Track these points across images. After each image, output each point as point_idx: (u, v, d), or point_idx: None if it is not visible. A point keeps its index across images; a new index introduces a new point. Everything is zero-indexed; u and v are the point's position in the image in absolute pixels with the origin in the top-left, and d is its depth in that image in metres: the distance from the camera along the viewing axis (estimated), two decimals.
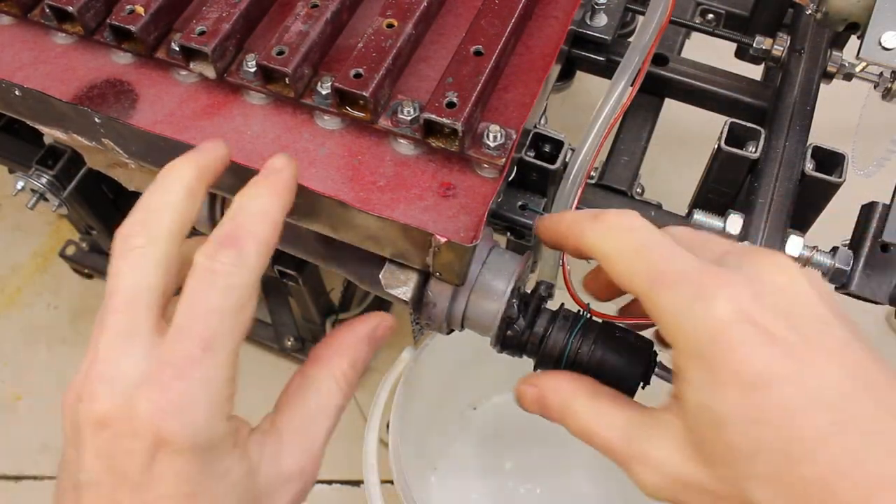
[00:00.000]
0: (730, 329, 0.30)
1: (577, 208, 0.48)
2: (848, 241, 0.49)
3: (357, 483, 0.99)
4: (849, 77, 0.57)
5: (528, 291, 0.45)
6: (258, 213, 0.34)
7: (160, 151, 0.45)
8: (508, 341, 0.44)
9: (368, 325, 0.40)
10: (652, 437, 0.34)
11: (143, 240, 0.33)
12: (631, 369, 0.40)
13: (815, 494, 0.29)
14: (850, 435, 0.29)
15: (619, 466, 0.36)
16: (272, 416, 0.37)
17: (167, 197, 0.34)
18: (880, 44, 0.46)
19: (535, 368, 0.43)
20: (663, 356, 0.40)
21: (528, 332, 0.43)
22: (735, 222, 0.48)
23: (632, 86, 0.48)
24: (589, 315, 0.42)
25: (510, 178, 0.48)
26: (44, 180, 0.83)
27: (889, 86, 0.53)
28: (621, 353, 0.41)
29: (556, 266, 0.46)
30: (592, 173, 0.56)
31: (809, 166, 0.49)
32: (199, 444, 0.31)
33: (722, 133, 0.49)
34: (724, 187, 0.52)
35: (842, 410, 0.29)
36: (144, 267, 0.33)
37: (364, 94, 0.43)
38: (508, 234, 0.51)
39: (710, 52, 0.69)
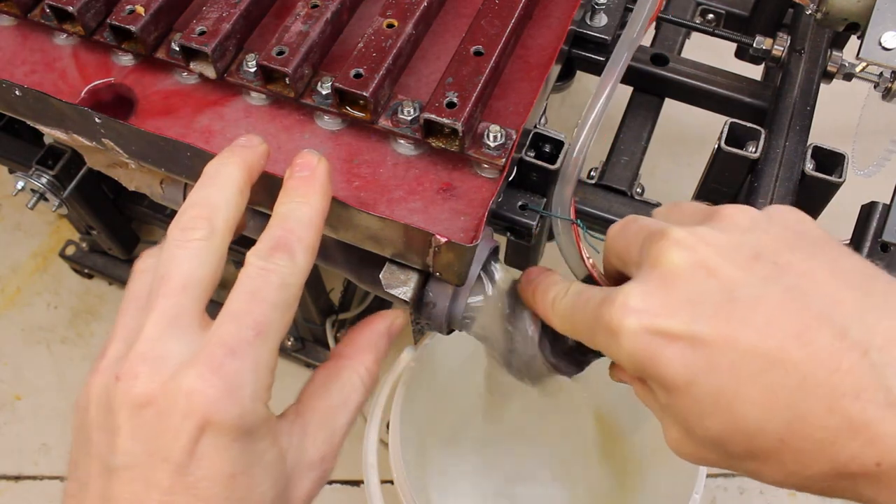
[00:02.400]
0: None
1: (577, 208, 0.48)
2: (848, 241, 0.49)
3: (357, 483, 0.99)
4: (849, 77, 0.57)
5: None
6: (305, 219, 0.36)
7: (160, 151, 0.45)
8: (563, 361, 0.44)
9: (386, 321, 0.42)
10: (620, 290, 0.34)
11: (204, 233, 0.34)
12: None
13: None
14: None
15: (596, 341, 0.36)
16: (296, 407, 0.38)
17: (224, 194, 0.36)
18: (880, 44, 0.46)
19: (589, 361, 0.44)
20: None
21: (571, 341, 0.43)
22: None
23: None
24: None
25: (510, 178, 0.48)
26: (44, 180, 0.83)
27: (889, 86, 0.53)
28: None
29: (581, 262, 0.46)
30: (592, 173, 0.56)
31: (809, 166, 0.49)
32: (243, 425, 0.32)
33: (722, 133, 0.49)
34: (724, 187, 0.52)
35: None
36: (202, 258, 0.34)
37: (364, 94, 0.43)
38: (508, 234, 0.51)
39: (710, 52, 0.69)
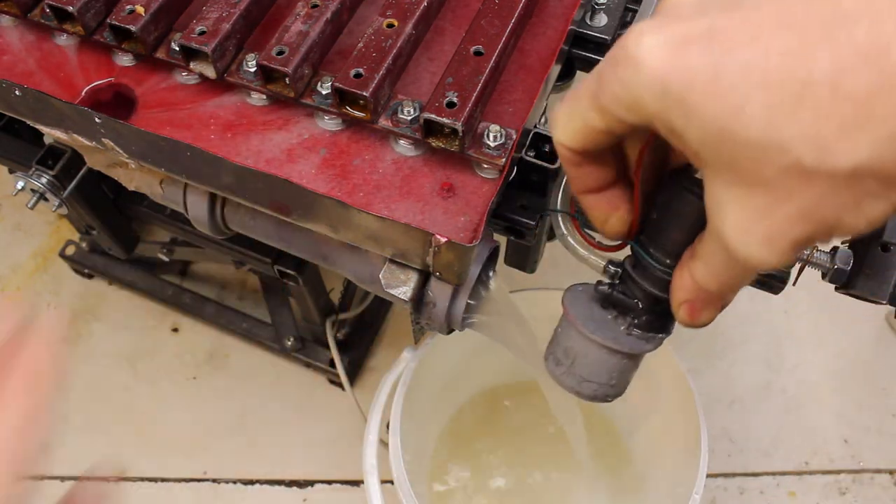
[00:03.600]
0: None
1: (576, 207, 0.48)
2: (848, 241, 0.49)
3: (357, 483, 0.99)
4: None
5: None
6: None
7: (160, 151, 0.45)
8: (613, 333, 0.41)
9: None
10: (628, 30, 0.32)
11: None
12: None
13: None
14: None
15: (610, 101, 0.33)
16: None
17: None
18: None
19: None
20: None
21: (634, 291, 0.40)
22: None
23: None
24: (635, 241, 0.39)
25: (510, 178, 0.48)
26: (44, 180, 0.83)
27: None
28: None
29: (587, 244, 0.45)
30: None
31: None
32: None
33: None
34: None
35: None
36: None
37: (364, 93, 0.43)
38: (509, 234, 0.51)
39: None
